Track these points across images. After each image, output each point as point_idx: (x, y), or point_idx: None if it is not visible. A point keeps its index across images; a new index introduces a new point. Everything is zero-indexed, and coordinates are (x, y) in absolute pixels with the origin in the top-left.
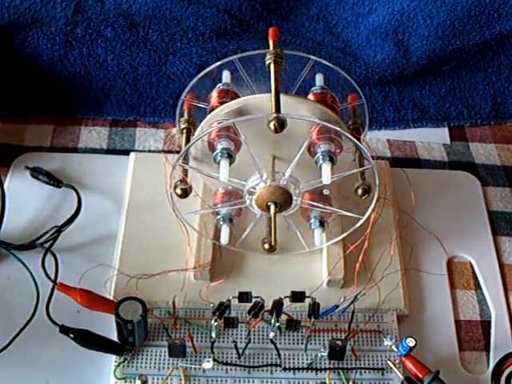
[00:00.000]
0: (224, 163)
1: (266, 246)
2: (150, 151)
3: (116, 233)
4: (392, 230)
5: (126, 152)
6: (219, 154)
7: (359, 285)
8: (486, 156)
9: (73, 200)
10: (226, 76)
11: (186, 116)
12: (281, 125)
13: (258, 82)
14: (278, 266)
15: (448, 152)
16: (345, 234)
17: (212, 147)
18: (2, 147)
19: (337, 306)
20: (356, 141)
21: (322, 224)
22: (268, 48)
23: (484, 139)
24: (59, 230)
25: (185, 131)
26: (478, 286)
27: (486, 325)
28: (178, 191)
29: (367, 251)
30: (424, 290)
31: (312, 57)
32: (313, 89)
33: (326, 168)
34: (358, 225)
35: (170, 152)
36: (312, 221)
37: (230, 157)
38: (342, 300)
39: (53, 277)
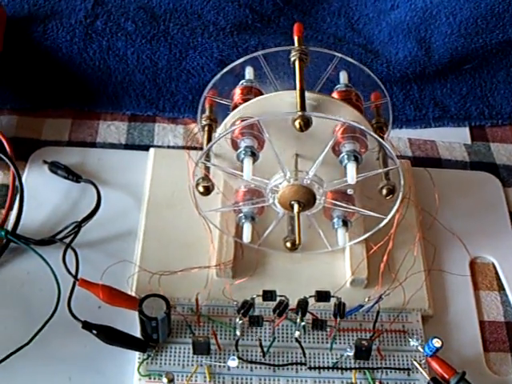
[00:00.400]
0: (247, 161)
1: (289, 244)
2: (168, 147)
3: (136, 229)
4: (415, 231)
5: (145, 147)
6: (243, 152)
7: (383, 285)
8: (507, 157)
9: (92, 195)
10: (249, 72)
11: (207, 112)
12: (306, 123)
13: (280, 78)
14: (301, 264)
15: (469, 152)
16: (368, 234)
17: (235, 145)
18: (20, 141)
19: (361, 306)
20: (381, 140)
21: (345, 223)
22: (290, 44)
23: (505, 140)
24: (79, 225)
25: (206, 128)
26: (501, 287)
27: (510, 326)
28: (201, 189)
29: (390, 251)
30: (447, 290)
31: (337, 54)
32: (337, 86)
33: (351, 168)
34: (382, 225)
35: (190, 148)
36: (335, 220)
37: (254, 155)
38: (366, 300)
39: (74, 272)
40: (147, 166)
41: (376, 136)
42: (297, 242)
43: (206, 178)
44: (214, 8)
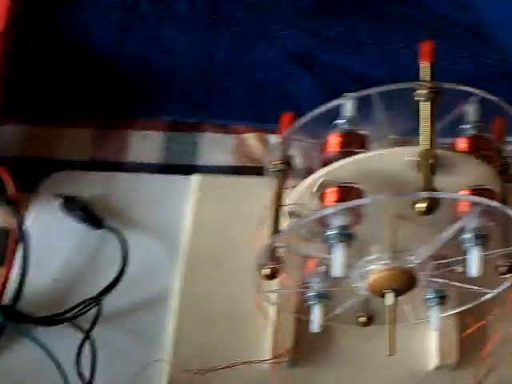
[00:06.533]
0: (340, 250)
1: (363, 319)
2: (216, 168)
3: (170, 294)
4: None
5: (187, 169)
6: (335, 235)
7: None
8: None
9: (115, 246)
10: (348, 109)
11: (280, 153)
12: (433, 207)
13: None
14: (373, 342)
15: None
16: (464, 307)
17: (322, 221)
18: (27, 162)
19: None
20: None
21: (442, 299)
22: (385, 29)
23: None
24: (98, 301)
25: (277, 176)
26: None
27: None
28: (266, 272)
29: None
30: None
31: (477, 91)
32: (464, 128)
33: (476, 255)
34: (487, 297)
35: (243, 170)
36: (430, 296)
37: (350, 238)
38: None
39: (88, 374)
40: (188, 199)
41: None
42: (389, 350)
43: (275, 258)
44: None
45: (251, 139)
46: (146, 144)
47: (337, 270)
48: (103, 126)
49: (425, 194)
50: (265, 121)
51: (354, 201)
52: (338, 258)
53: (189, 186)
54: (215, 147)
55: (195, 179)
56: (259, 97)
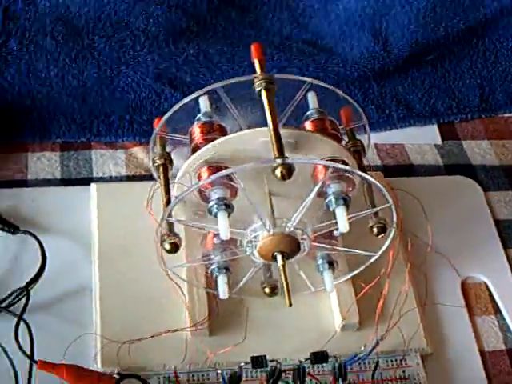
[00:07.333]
0: (223, 217)
1: (268, 289)
2: (111, 178)
3: (90, 283)
4: (403, 261)
5: (85, 180)
6: (215, 206)
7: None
8: (481, 155)
9: (33, 247)
10: (205, 104)
11: (159, 150)
12: (289, 171)
13: (240, 107)
14: (283, 310)
15: (441, 154)
16: (356, 271)
17: (203, 196)
18: None
19: (356, 355)
20: (374, 181)
21: (331, 265)
22: (235, 49)
23: (476, 136)
24: (26, 290)
25: (161, 169)
26: (497, 310)
27: None
28: (167, 246)
29: (379, 286)
30: (443, 321)
31: (307, 79)
32: (308, 114)
33: (342, 213)
34: (372, 260)
35: (135, 178)
36: (319, 262)
37: (228, 207)
38: (362, 348)
39: (28, 350)
40: (91, 205)
41: (369, 177)
42: (287, 303)
43: (172, 232)
44: (141, 13)
45: (139, 152)
46: (44, 163)
47: (223, 233)
48: (1, 151)
49: (279, 161)
50: (148, 136)
51: (219, 173)
52: (222, 223)
53: (89, 194)
54: (107, 161)
55: (93, 187)
56: (137, 116)
